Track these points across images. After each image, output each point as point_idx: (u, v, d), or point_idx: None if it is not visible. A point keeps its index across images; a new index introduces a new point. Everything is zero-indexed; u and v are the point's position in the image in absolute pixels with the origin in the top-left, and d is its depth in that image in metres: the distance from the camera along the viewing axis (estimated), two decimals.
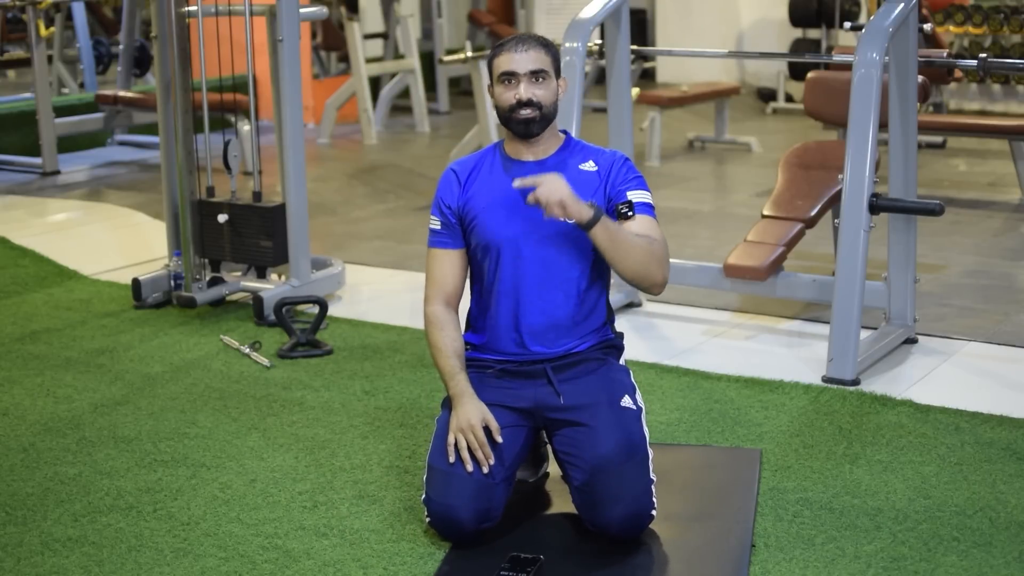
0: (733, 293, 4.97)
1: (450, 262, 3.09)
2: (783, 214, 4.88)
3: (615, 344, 3.14)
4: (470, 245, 3.08)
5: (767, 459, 3.44)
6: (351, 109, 9.80)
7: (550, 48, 3.04)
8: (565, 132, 3.14)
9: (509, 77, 2.99)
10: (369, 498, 3.22)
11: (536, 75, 2.99)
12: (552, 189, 2.83)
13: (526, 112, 2.99)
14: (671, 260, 4.84)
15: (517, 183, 2.90)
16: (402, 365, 4.29)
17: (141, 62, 9.13)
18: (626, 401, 3.00)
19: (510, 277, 3.03)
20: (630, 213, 2.99)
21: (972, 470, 3.35)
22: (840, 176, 4.22)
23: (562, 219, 2.86)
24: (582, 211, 2.85)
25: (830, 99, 5.31)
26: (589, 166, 3.06)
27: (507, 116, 3.02)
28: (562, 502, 3.12)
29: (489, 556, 2.85)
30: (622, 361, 3.15)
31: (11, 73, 12.29)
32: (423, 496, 2.96)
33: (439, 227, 3.10)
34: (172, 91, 4.91)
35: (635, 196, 3.02)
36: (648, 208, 3.03)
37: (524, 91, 2.97)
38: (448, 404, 3.08)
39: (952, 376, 4.17)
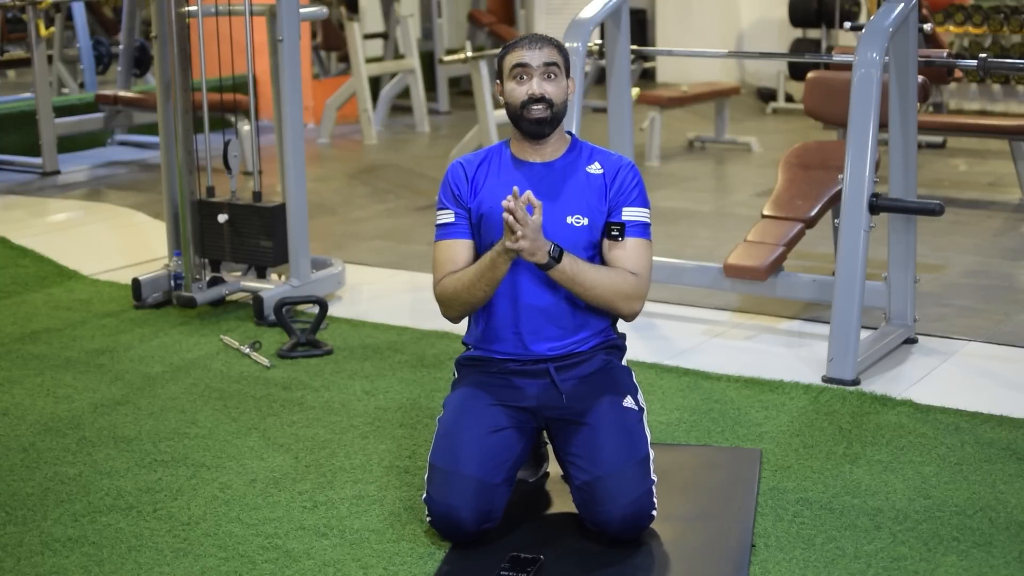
0: (733, 293, 4.98)
1: (461, 248, 3.05)
2: (783, 214, 4.88)
3: (617, 344, 3.15)
4: (476, 244, 3.07)
5: (767, 459, 3.44)
6: (351, 109, 9.80)
7: (561, 48, 3.04)
8: (570, 133, 3.14)
9: (522, 71, 2.98)
10: (369, 498, 3.22)
11: (549, 69, 2.98)
12: (534, 243, 2.83)
13: (538, 109, 2.97)
14: (671, 260, 4.92)
15: (508, 201, 2.82)
16: (402, 365, 4.29)
17: (141, 62, 9.13)
18: (628, 402, 3.00)
19: (511, 278, 3.02)
20: (619, 238, 3.01)
21: (972, 470, 3.35)
22: (840, 176, 4.22)
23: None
24: (537, 257, 2.86)
25: (830, 99, 5.32)
26: (595, 168, 3.06)
27: (519, 113, 3.01)
28: (562, 502, 3.12)
29: (489, 556, 2.85)
30: (624, 361, 3.15)
31: (11, 73, 12.29)
32: (424, 495, 2.96)
33: (452, 219, 3.05)
34: (172, 91, 4.91)
35: (631, 214, 3.03)
36: (642, 229, 3.04)
37: (537, 86, 2.97)
38: (448, 403, 3.08)
39: (952, 376, 4.17)
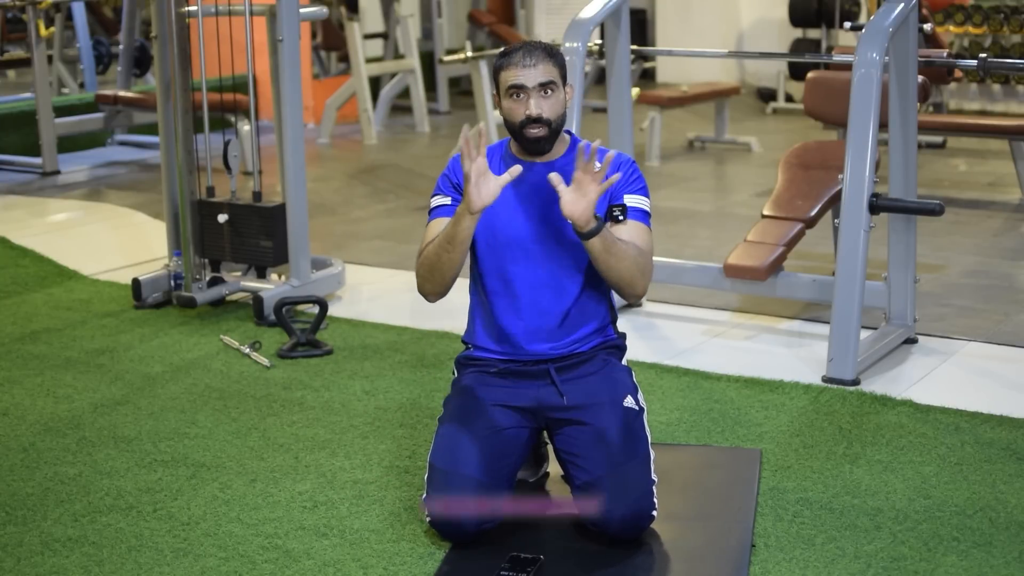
0: (733, 293, 4.97)
1: None
2: (783, 214, 4.88)
3: (618, 344, 3.15)
4: (474, 242, 3.07)
5: (767, 459, 3.44)
6: (351, 109, 9.80)
7: (557, 57, 3.01)
8: (569, 132, 3.14)
9: (518, 91, 2.96)
10: (369, 498, 3.22)
11: (545, 88, 2.96)
12: (585, 205, 2.82)
13: (535, 130, 2.97)
14: (671, 260, 4.92)
15: (557, 183, 2.84)
16: (402, 365, 4.29)
17: (141, 62, 9.13)
18: (628, 401, 3.00)
19: (512, 277, 3.03)
20: (621, 217, 3.00)
21: (972, 470, 3.35)
22: (840, 176, 4.22)
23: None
24: (590, 222, 2.85)
25: (830, 99, 5.32)
26: (597, 167, 3.06)
27: (517, 131, 3.01)
28: (562, 502, 3.11)
29: (489, 556, 2.85)
30: (624, 361, 3.16)
31: (11, 73, 12.28)
32: (424, 495, 2.96)
33: (448, 202, 3.04)
34: (172, 91, 4.91)
35: (632, 201, 3.03)
36: (643, 215, 3.04)
37: (534, 107, 2.95)
38: (448, 403, 3.08)
39: (952, 376, 4.17)
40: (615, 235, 2.95)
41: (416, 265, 3.06)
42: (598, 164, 2.86)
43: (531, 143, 3.00)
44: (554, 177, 2.84)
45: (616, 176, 2.86)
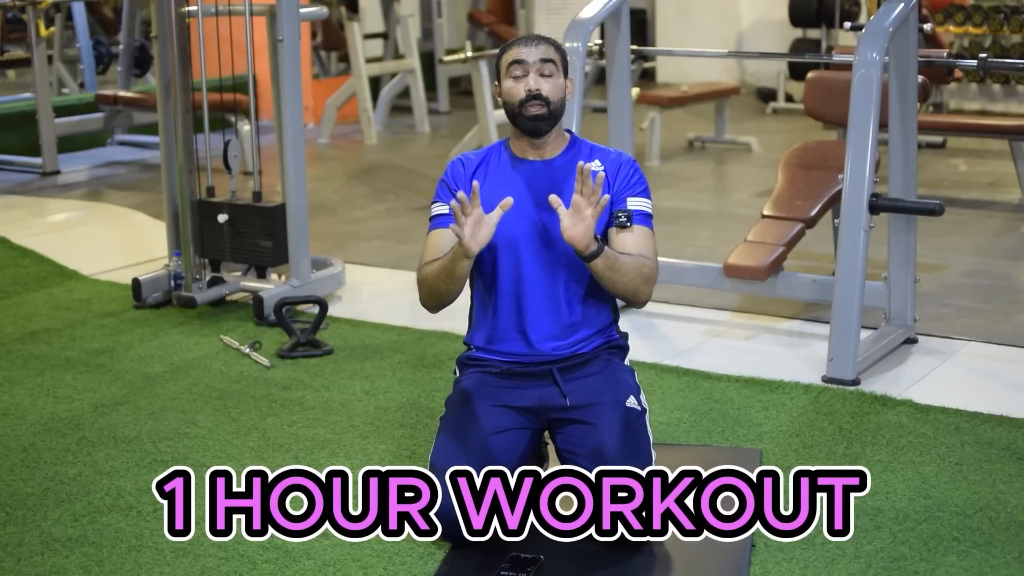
0: (733, 293, 4.98)
1: (451, 239, 3.01)
2: (783, 214, 4.88)
3: (620, 345, 3.15)
4: None
5: (767, 459, 3.44)
6: (351, 109, 9.80)
7: (559, 48, 3.06)
8: (569, 132, 3.15)
9: (518, 67, 2.99)
10: None
11: (545, 65, 2.99)
12: (584, 229, 2.82)
13: (535, 106, 2.98)
14: (671, 260, 4.92)
15: (557, 205, 2.84)
16: (402, 365, 4.29)
17: (141, 62, 9.13)
18: (631, 402, 3.00)
19: (514, 278, 3.03)
20: (628, 224, 3.00)
21: (972, 470, 3.35)
22: (840, 176, 4.22)
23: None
24: (590, 246, 2.85)
25: (830, 99, 5.31)
26: (595, 166, 3.06)
27: (516, 111, 3.01)
28: None
29: (489, 556, 2.85)
30: (627, 361, 3.16)
31: (11, 73, 12.29)
32: None
33: (447, 211, 3.04)
34: (172, 91, 4.91)
35: (635, 204, 3.04)
36: (646, 219, 3.05)
37: (533, 82, 2.98)
38: (450, 403, 3.08)
39: (952, 376, 4.17)
40: (621, 244, 2.97)
41: (417, 277, 3.06)
42: (597, 166, 2.86)
43: (530, 121, 3.00)
44: (554, 199, 2.84)
45: (606, 198, 2.84)
